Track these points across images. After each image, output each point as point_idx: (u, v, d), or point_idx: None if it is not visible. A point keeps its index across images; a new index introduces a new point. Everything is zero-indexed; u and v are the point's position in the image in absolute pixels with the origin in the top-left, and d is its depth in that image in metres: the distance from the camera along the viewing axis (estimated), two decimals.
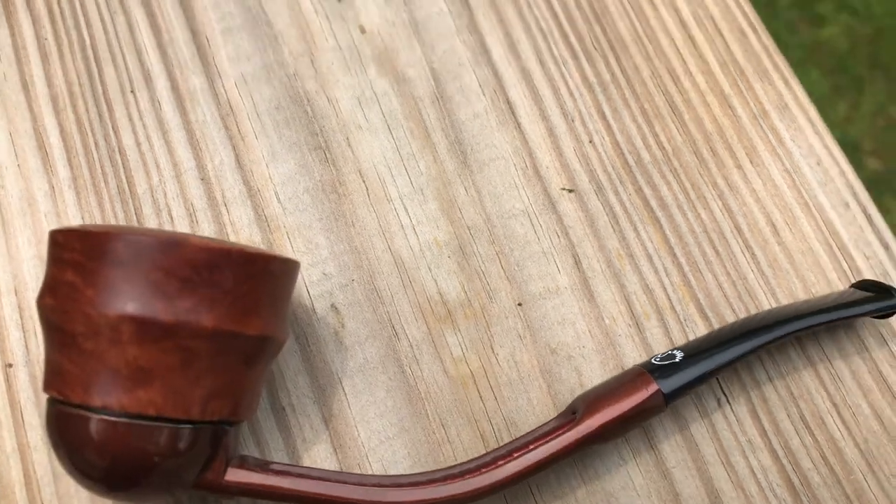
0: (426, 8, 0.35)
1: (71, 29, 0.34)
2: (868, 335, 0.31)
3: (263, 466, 0.26)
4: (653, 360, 0.28)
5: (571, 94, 0.34)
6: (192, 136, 0.32)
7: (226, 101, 0.33)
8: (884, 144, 1.24)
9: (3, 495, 0.27)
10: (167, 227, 0.31)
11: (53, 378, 0.23)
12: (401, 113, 0.33)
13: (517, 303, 0.31)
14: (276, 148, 0.33)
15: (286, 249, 0.31)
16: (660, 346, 0.30)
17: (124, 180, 0.32)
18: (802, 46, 1.29)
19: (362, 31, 0.35)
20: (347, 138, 0.33)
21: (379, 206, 0.32)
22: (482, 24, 0.35)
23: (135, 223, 0.31)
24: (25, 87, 0.33)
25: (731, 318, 0.31)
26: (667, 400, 0.27)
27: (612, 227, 0.32)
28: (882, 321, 0.31)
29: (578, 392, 0.30)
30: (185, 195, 0.31)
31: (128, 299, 0.22)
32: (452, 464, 0.29)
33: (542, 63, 0.35)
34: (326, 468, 0.28)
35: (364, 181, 0.32)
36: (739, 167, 0.33)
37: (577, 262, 0.32)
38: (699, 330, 0.31)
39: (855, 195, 0.33)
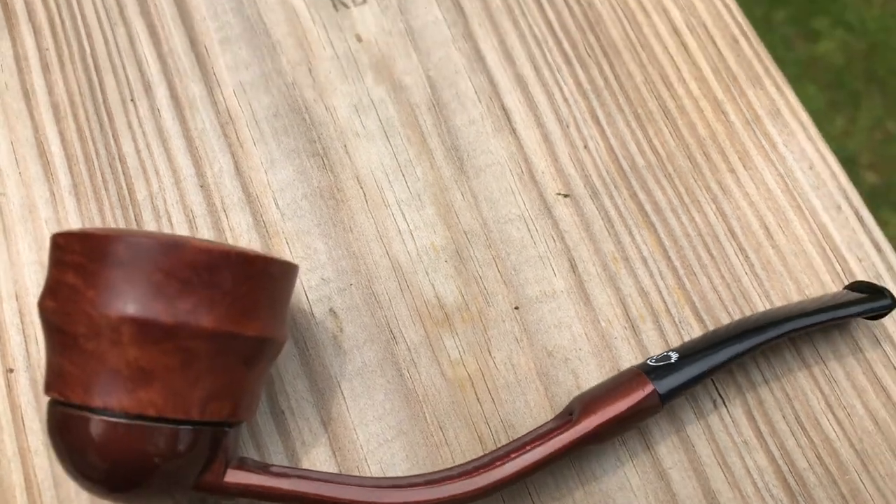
0: (422, 17, 0.36)
1: (72, 39, 0.34)
2: (862, 336, 0.31)
3: (263, 468, 0.26)
4: (648, 362, 0.28)
5: (566, 101, 0.35)
6: (191, 144, 0.33)
7: (225, 109, 0.33)
8: (881, 158, 1.25)
9: (4, 499, 0.27)
10: (167, 232, 0.31)
11: (54, 380, 0.24)
12: (398, 120, 0.34)
13: (514, 306, 0.31)
14: (275, 155, 0.33)
15: (285, 255, 0.31)
16: (655, 349, 0.31)
17: (124, 187, 0.32)
18: (798, 62, 1.30)
19: (359, 39, 0.35)
20: (345, 145, 0.33)
21: (376, 211, 0.32)
22: (477, 32, 0.36)
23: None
24: (27, 96, 0.33)
25: (725, 320, 0.31)
26: (662, 400, 0.27)
27: (608, 231, 0.32)
28: (875, 322, 0.31)
29: (575, 394, 0.30)
30: (184, 202, 0.32)
31: (128, 300, 0.22)
32: (451, 466, 0.29)
33: (536, 70, 0.35)
34: (325, 471, 0.28)
35: (362, 187, 0.33)
36: (733, 171, 0.34)
37: (573, 266, 0.32)
38: (694, 332, 0.31)
39: (847, 198, 0.33)
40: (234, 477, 0.25)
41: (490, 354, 0.30)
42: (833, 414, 0.30)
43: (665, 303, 0.31)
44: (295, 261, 0.31)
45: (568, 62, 0.35)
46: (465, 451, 0.29)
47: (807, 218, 0.33)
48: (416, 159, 0.33)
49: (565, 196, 0.33)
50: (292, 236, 0.32)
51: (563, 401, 0.30)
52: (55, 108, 0.33)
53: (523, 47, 0.36)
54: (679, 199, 0.33)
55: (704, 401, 0.30)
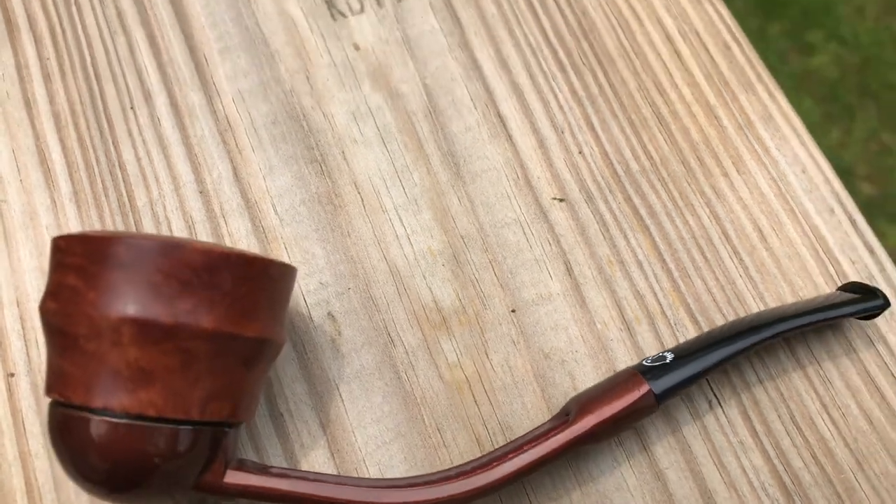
0: (418, 26, 0.36)
1: (72, 49, 0.35)
2: (855, 336, 0.32)
3: (262, 469, 0.26)
4: (644, 362, 0.29)
5: (561, 107, 0.35)
6: (190, 151, 0.33)
7: (224, 116, 0.34)
8: (877, 169, 1.25)
9: (5, 503, 0.28)
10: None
11: (55, 381, 0.24)
12: (395, 127, 0.34)
13: (510, 309, 0.31)
14: (273, 161, 0.33)
15: (283, 259, 0.32)
16: (651, 350, 0.31)
17: (124, 194, 0.32)
18: (793, 75, 1.31)
19: (356, 48, 0.36)
20: (343, 152, 0.34)
21: (374, 216, 0.33)
22: (473, 41, 0.36)
23: None
24: (28, 104, 0.33)
25: (720, 322, 0.32)
26: (658, 400, 0.27)
27: (603, 234, 0.33)
28: (868, 322, 0.32)
29: (572, 395, 0.30)
30: (184, 208, 0.32)
31: (129, 301, 0.23)
32: (449, 467, 0.29)
33: (531, 77, 0.36)
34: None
35: (359, 193, 0.33)
36: (726, 175, 0.34)
37: (569, 269, 0.32)
38: (689, 334, 0.31)
39: (840, 201, 0.34)
40: (233, 477, 0.25)
41: (487, 357, 0.31)
42: (828, 414, 0.30)
43: (660, 305, 0.32)
44: (293, 265, 0.31)
45: (563, 70, 0.36)
46: (462, 452, 0.29)
47: (800, 221, 0.33)
48: (412, 165, 0.34)
49: (561, 200, 0.33)
50: (291, 241, 0.32)
51: (560, 402, 0.30)
52: (56, 116, 0.33)
53: (519, 55, 0.36)
54: (673, 203, 0.33)
55: (700, 401, 0.30)
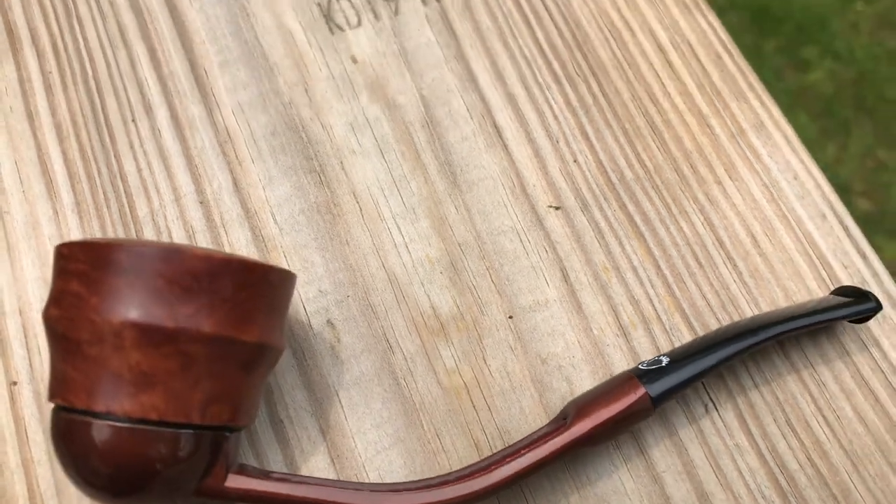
0: (415, 39, 0.37)
1: (74, 63, 0.35)
2: (849, 340, 0.32)
3: (263, 474, 0.26)
4: (640, 366, 0.29)
5: (556, 117, 0.36)
6: (191, 162, 0.34)
7: (223, 128, 0.34)
8: (873, 185, 1.26)
9: None
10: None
11: (58, 386, 0.24)
12: (392, 137, 0.35)
13: (508, 315, 0.32)
14: (273, 172, 0.34)
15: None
16: (647, 355, 0.31)
17: (126, 204, 0.33)
18: (789, 91, 1.32)
19: (354, 61, 0.36)
20: (341, 162, 0.34)
21: (372, 225, 0.33)
22: (468, 53, 0.37)
23: None
24: (30, 117, 0.34)
25: (715, 327, 0.32)
26: (654, 403, 0.28)
27: (598, 241, 0.33)
28: (861, 326, 0.32)
29: (569, 400, 0.30)
30: (184, 218, 0.33)
31: (131, 306, 0.23)
32: (448, 472, 0.29)
33: (526, 88, 0.36)
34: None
35: (358, 202, 0.33)
36: (719, 183, 0.35)
37: (565, 276, 0.33)
38: (685, 338, 0.32)
39: (831, 207, 0.34)
40: (234, 482, 0.26)
41: (485, 363, 0.31)
42: (823, 416, 0.31)
43: (655, 310, 0.32)
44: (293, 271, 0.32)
45: (557, 81, 0.36)
46: (461, 457, 0.30)
47: (793, 227, 0.34)
48: (410, 174, 0.34)
49: (556, 208, 0.34)
50: (290, 250, 0.32)
51: (558, 407, 0.30)
52: (58, 128, 0.34)
53: (514, 67, 0.37)
54: (667, 210, 0.34)
55: (696, 405, 0.31)
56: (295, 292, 0.32)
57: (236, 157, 0.34)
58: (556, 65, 0.37)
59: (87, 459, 0.24)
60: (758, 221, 0.34)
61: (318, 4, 0.37)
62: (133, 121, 0.34)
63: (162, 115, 0.34)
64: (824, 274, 0.33)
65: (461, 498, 0.26)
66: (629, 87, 0.36)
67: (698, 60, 0.37)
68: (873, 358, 0.32)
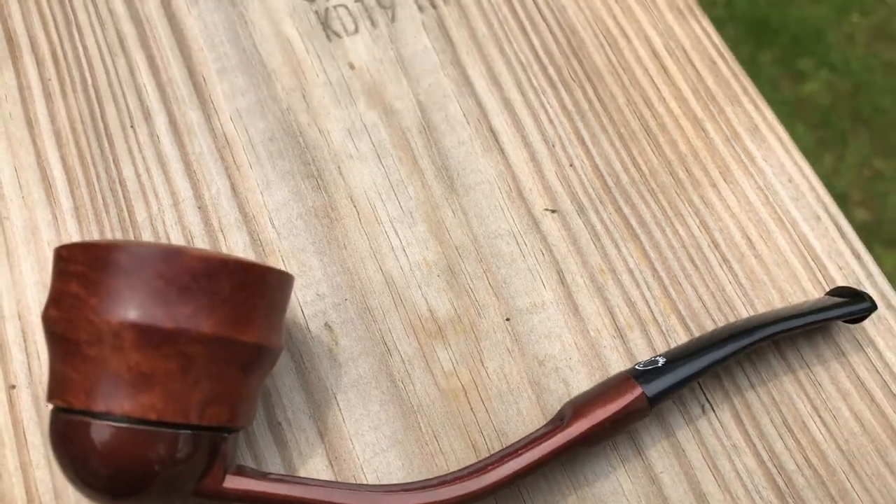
0: (411, 45, 0.37)
1: (73, 70, 0.35)
2: (844, 341, 0.32)
3: (261, 475, 0.26)
4: (636, 366, 0.29)
5: (551, 122, 0.36)
6: (189, 168, 0.34)
7: (222, 134, 0.35)
8: (871, 195, 1.26)
9: None
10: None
11: (57, 387, 0.24)
12: (389, 142, 0.35)
13: (505, 318, 0.32)
14: (271, 177, 0.34)
15: None
16: (643, 356, 0.31)
17: (124, 209, 0.33)
18: (786, 102, 1.33)
19: (351, 67, 0.37)
20: (339, 167, 0.34)
21: (370, 229, 0.33)
22: (465, 59, 0.37)
23: None
24: (30, 124, 0.34)
25: (711, 328, 0.32)
26: (651, 403, 0.28)
27: (594, 244, 0.33)
28: (857, 326, 0.32)
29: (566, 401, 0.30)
30: (183, 223, 0.33)
31: (130, 307, 0.23)
32: (446, 473, 0.29)
33: (522, 93, 0.36)
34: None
35: (355, 206, 0.34)
36: (714, 186, 0.35)
37: (562, 278, 0.33)
38: (681, 340, 0.32)
39: (826, 209, 0.35)
40: (232, 482, 0.26)
41: (482, 365, 0.31)
42: (819, 417, 0.31)
43: (652, 312, 0.32)
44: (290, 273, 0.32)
45: (553, 86, 0.37)
46: (459, 459, 0.30)
47: (787, 228, 0.34)
48: (407, 179, 0.34)
49: (553, 212, 0.34)
50: (288, 254, 0.33)
51: (555, 408, 0.31)
52: (57, 134, 0.34)
53: (510, 72, 0.37)
54: (663, 213, 0.34)
55: (693, 406, 0.31)
56: (293, 296, 0.32)
57: (234, 162, 0.34)
58: (551, 70, 0.37)
59: (86, 460, 0.24)
60: (753, 223, 0.34)
61: (316, 12, 0.38)
62: (132, 127, 0.34)
63: (161, 121, 0.35)
64: (819, 275, 0.33)
65: (459, 498, 0.26)
66: (624, 91, 0.37)
67: (693, 65, 0.37)
68: (869, 358, 0.32)
